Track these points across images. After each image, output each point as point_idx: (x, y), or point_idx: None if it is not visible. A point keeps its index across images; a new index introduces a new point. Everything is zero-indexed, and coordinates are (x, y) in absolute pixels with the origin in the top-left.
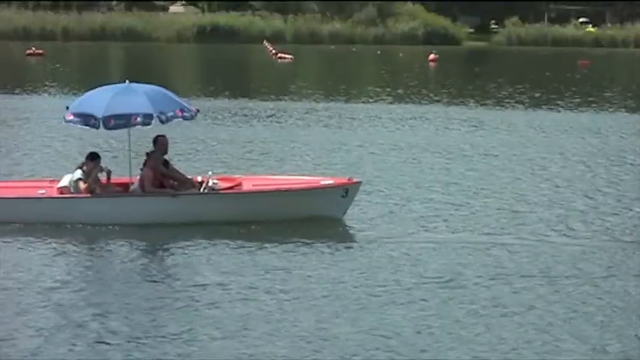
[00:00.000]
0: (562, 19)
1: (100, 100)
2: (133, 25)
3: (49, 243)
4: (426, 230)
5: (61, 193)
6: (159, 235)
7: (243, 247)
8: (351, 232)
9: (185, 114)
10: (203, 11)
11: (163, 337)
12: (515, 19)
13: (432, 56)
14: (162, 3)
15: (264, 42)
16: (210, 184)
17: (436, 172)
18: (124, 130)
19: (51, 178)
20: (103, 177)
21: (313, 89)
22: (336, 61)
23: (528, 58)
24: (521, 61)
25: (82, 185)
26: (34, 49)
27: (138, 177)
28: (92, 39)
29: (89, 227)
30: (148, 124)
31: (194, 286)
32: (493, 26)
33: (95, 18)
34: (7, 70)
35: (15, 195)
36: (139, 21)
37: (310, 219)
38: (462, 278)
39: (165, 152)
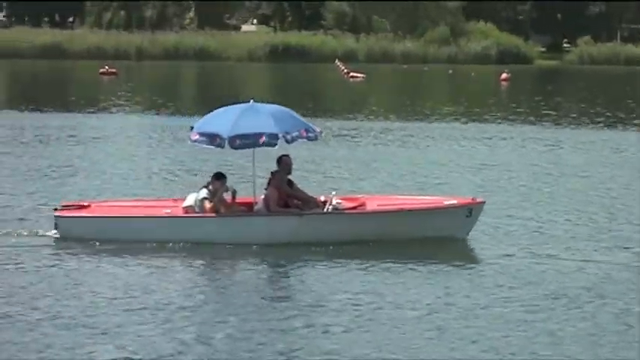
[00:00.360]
0: (635, 37)
1: (226, 120)
2: (206, 45)
3: (173, 262)
4: (527, 249)
5: (186, 213)
6: (282, 255)
7: (363, 266)
8: (459, 251)
9: (310, 134)
10: (275, 30)
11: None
12: (587, 38)
13: (504, 75)
14: (234, 22)
15: (336, 61)
16: (333, 203)
17: (525, 191)
18: (236, 150)
19: (175, 197)
20: (227, 196)
21: (387, 108)
22: (409, 81)
23: (601, 77)
24: (594, 80)
25: (207, 205)
26: (107, 67)
27: (261, 197)
28: (165, 58)
29: (213, 247)
30: (274, 144)
31: (309, 306)
32: (565, 45)
33: (168, 37)
34: (81, 89)
35: (140, 214)
36: (211, 40)
37: (433, 239)
38: (564, 297)
39: (289, 172)
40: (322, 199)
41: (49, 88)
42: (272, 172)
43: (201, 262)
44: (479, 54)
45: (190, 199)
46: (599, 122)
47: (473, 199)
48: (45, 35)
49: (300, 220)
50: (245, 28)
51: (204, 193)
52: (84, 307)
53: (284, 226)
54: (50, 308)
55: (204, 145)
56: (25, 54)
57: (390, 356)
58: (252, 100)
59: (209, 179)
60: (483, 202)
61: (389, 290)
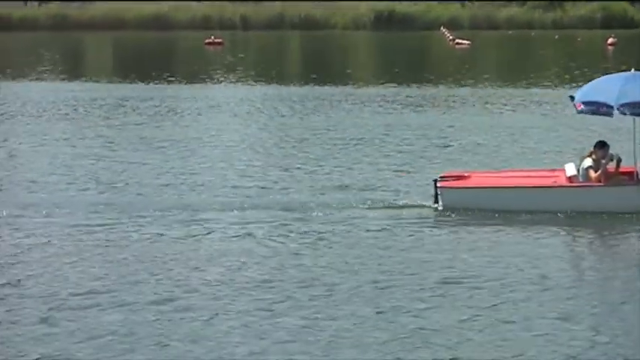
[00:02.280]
0: None
1: (610, 88)
2: (311, 13)
3: (556, 233)
4: None
5: (570, 182)
6: None
7: None
8: None
9: None
10: None
11: None
12: None
13: (610, 40)
14: None
15: (441, 28)
16: None
17: None
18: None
19: (551, 167)
20: (610, 165)
21: (494, 75)
22: (516, 47)
23: None
24: None
25: (592, 173)
26: (213, 38)
27: None
28: (270, 27)
29: (599, 216)
30: None
31: None
32: None
33: (273, 6)
34: (189, 60)
35: (529, 184)
36: (316, 8)
37: None
38: None
39: None
40: None
41: (164, 60)
42: None
43: (585, 232)
44: (584, 18)
45: (572, 169)
46: None
47: None
48: (150, 6)
49: None
50: None
51: (588, 162)
52: (480, 279)
53: None
54: (443, 279)
55: (591, 114)
56: (130, 25)
57: None
58: (633, 69)
59: (591, 148)
60: None
61: None
